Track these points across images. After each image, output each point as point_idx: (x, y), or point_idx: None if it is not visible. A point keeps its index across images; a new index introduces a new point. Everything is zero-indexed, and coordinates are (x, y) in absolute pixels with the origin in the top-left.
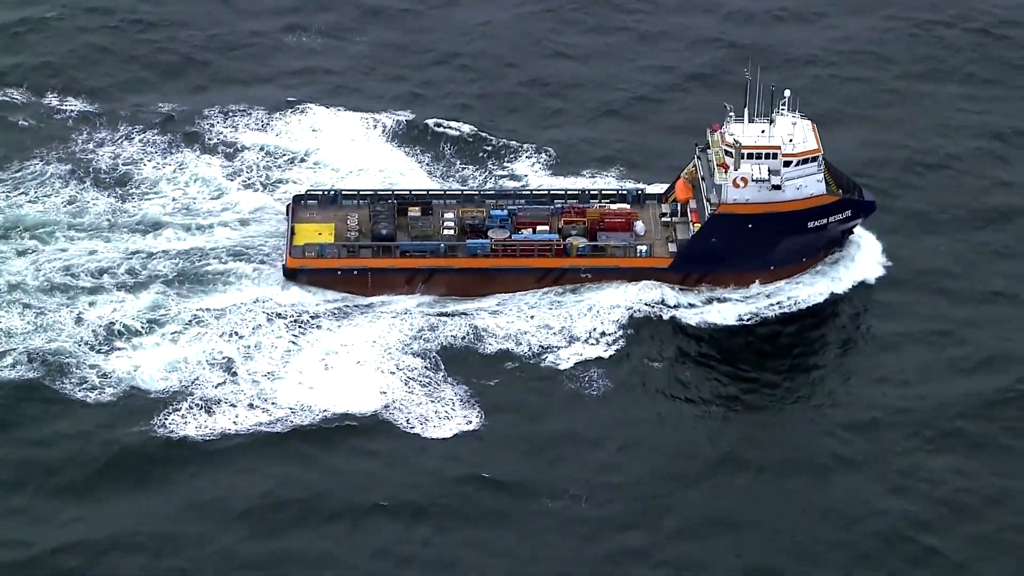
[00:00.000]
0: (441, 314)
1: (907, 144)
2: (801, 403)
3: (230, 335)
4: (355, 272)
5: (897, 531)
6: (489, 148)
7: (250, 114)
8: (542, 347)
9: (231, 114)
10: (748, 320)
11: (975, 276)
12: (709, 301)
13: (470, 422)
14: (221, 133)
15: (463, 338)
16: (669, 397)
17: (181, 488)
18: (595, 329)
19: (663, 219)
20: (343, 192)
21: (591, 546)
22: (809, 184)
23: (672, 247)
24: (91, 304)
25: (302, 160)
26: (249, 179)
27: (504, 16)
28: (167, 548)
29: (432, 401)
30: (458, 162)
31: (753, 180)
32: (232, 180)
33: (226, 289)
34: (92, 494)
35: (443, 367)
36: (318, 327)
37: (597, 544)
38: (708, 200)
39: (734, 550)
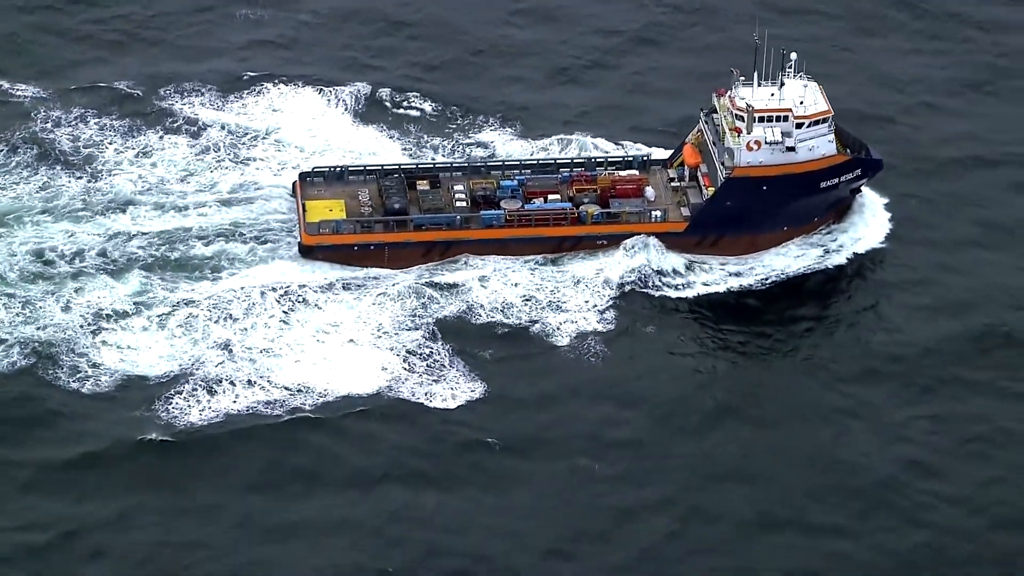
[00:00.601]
0: (430, 284)
1: (859, 99)
2: (796, 357)
3: (223, 317)
4: (372, 247)
5: (904, 480)
6: (454, 119)
7: (205, 92)
8: (535, 319)
9: (187, 93)
10: (736, 284)
11: (950, 226)
12: (691, 266)
13: (474, 391)
14: (181, 112)
15: (456, 313)
16: (666, 357)
17: (188, 464)
18: (586, 300)
19: (672, 184)
20: (350, 168)
21: (604, 502)
22: (820, 145)
23: (685, 211)
24: (77, 291)
25: (264, 138)
26: (220, 158)
27: None
28: (180, 523)
29: (434, 376)
30: (425, 135)
31: (766, 143)
32: (202, 160)
33: (239, 269)
34: (97, 476)
35: (440, 341)
36: (309, 304)
37: (610, 500)
38: (722, 164)
39: (747, 501)
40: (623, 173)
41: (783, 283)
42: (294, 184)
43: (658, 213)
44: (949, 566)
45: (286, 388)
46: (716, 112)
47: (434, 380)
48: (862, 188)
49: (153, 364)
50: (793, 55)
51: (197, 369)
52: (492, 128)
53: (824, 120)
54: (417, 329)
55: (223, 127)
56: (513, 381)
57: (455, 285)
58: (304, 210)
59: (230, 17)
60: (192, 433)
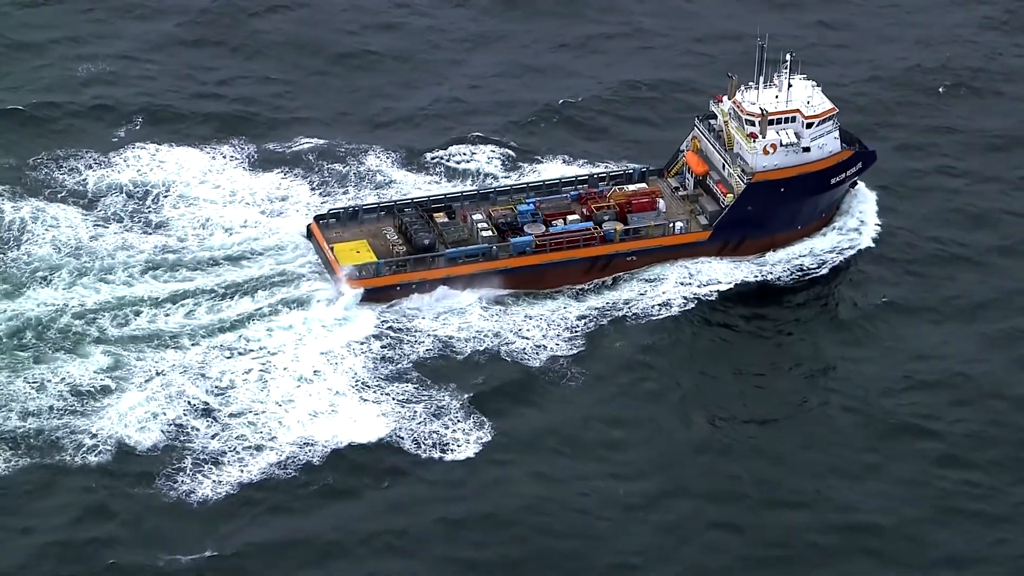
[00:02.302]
0: (394, 330)
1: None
2: (769, 360)
3: (197, 376)
4: (414, 285)
5: (905, 450)
6: (340, 146)
7: (82, 152)
8: (507, 349)
9: (60, 160)
10: (689, 293)
11: None
12: (652, 280)
13: (482, 427)
14: (61, 177)
15: (430, 351)
16: (639, 363)
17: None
18: (549, 328)
19: (678, 193)
20: (364, 207)
21: (629, 499)
22: (828, 143)
23: (703, 220)
24: (51, 369)
25: (165, 195)
26: (128, 225)
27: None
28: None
29: (435, 417)
30: (321, 164)
31: (782, 145)
32: (106, 227)
33: (283, 323)
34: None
35: (422, 379)
36: (288, 356)
37: (634, 498)
38: (741, 169)
39: (766, 477)
40: (631, 187)
41: (732, 290)
42: (309, 227)
43: (680, 224)
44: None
45: (292, 444)
46: (715, 118)
47: (441, 427)
48: (857, 181)
49: (145, 437)
50: (789, 55)
51: (192, 439)
52: (381, 151)
53: (831, 118)
54: (397, 373)
55: (122, 190)
56: (516, 419)
57: (420, 331)
58: (334, 254)
59: (75, 73)
60: (211, 506)
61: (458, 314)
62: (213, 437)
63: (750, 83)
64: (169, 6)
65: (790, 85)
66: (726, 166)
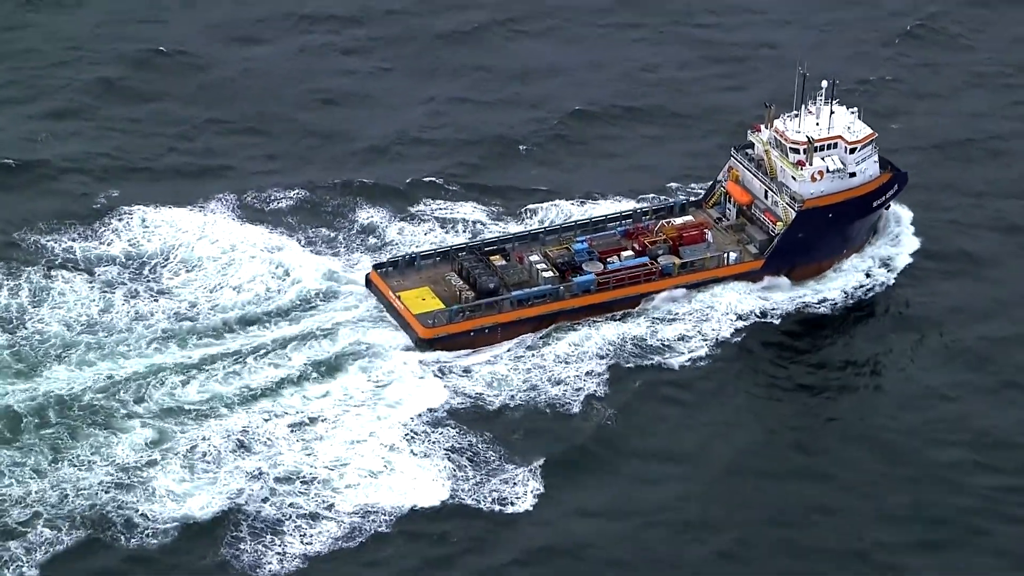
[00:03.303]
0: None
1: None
2: (793, 388)
3: (241, 446)
4: (486, 330)
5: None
6: (324, 203)
7: (66, 228)
8: (547, 395)
9: (46, 232)
10: (717, 329)
11: None
12: (663, 319)
13: (535, 475)
14: (52, 249)
15: (466, 401)
16: (677, 404)
17: None
18: (579, 370)
19: (722, 224)
20: (420, 254)
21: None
22: (869, 167)
23: (752, 249)
24: (94, 447)
25: (164, 265)
26: (133, 291)
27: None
28: None
29: (488, 474)
30: (310, 226)
31: (828, 172)
32: (111, 293)
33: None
34: None
35: (466, 432)
36: (324, 421)
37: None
38: (790, 197)
39: (815, 501)
40: (678, 220)
41: (749, 323)
42: (368, 277)
43: (733, 255)
44: None
45: (350, 514)
46: (751, 147)
47: (486, 475)
48: (890, 203)
49: (201, 511)
50: (824, 82)
51: (248, 507)
52: (369, 204)
53: (871, 142)
54: (437, 424)
55: (113, 261)
56: (565, 458)
57: (445, 372)
58: (402, 303)
59: (35, 141)
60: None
61: (490, 363)
62: (265, 502)
63: (794, 111)
64: (106, 58)
65: (832, 112)
66: (770, 194)
